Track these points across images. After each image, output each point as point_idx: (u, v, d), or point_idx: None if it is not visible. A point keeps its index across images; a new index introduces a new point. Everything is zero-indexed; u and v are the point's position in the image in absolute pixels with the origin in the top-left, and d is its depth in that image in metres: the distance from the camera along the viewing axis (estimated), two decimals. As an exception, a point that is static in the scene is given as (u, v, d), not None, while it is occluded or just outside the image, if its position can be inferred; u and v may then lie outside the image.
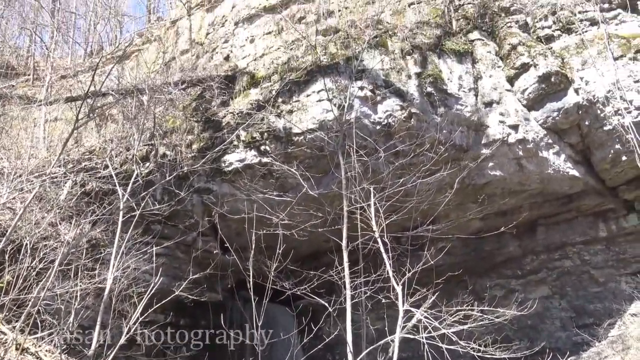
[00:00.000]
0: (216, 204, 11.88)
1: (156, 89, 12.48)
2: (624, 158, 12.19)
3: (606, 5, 12.54)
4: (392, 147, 10.59)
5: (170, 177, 10.99)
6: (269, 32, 14.42)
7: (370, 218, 8.50)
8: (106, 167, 10.77)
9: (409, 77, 11.96)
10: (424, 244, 9.27)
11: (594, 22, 12.46)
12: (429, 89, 11.95)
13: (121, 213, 9.33)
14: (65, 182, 10.63)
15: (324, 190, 10.86)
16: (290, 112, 11.79)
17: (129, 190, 9.64)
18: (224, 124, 12.35)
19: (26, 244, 8.46)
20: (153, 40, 18.69)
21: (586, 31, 12.46)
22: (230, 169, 12.11)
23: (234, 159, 12.12)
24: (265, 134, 11.79)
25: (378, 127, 11.53)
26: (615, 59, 11.84)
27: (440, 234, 9.67)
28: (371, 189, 8.79)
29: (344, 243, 8.65)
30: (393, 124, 11.50)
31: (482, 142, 12.38)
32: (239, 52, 14.68)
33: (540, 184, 13.01)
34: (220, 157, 12.08)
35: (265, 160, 11.83)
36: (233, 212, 11.38)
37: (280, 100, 11.93)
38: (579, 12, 12.64)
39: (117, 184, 9.70)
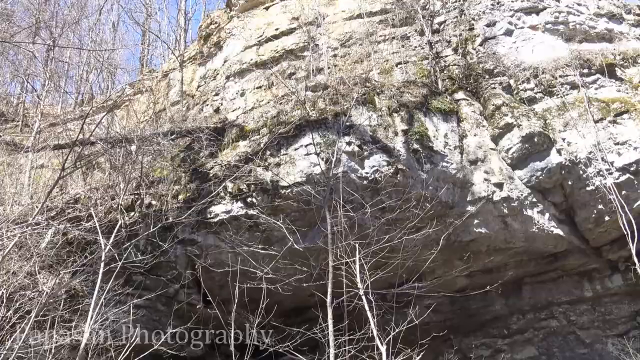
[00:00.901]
0: (200, 255, 11.71)
1: (145, 138, 12.51)
2: (607, 218, 12.34)
3: (586, 71, 13.02)
4: (379, 202, 10.62)
5: (155, 228, 10.85)
6: (260, 87, 14.71)
7: (355, 274, 8.43)
8: (90, 216, 10.62)
9: (396, 133, 12.16)
10: (409, 301, 9.17)
11: (574, 86, 12.89)
12: (416, 146, 12.13)
13: (102, 263, 9.16)
14: (47, 231, 10.46)
15: (310, 244, 10.79)
16: (278, 165, 11.86)
17: (111, 240, 9.50)
18: (211, 175, 12.34)
19: (2, 294, 8.24)
20: (144, 90, 18.94)
21: (567, 94, 12.86)
22: (215, 220, 12.00)
23: (220, 210, 12.04)
24: (252, 186, 11.79)
25: (365, 182, 11.61)
26: (596, 121, 12.20)
27: (426, 291, 9.60)
28: (357, 244, 8.77)
29: (328, 300, 8.53)
30: (380, 179, 11.59)
31: (468, 199, 12.48)
32: (229, 104, 14.91)
33: (525, 242, 13.05)
34: (206, 209, 12.00)
35: (251, 212, 11.78)
36: (217, 264, 11.22)
37: (268, 153, 12.01)
38: (560, 76, 13.07)
39: (99, 233, 9.56)
